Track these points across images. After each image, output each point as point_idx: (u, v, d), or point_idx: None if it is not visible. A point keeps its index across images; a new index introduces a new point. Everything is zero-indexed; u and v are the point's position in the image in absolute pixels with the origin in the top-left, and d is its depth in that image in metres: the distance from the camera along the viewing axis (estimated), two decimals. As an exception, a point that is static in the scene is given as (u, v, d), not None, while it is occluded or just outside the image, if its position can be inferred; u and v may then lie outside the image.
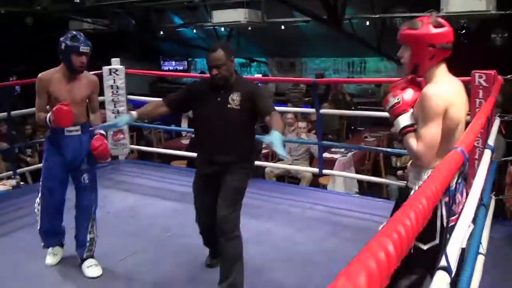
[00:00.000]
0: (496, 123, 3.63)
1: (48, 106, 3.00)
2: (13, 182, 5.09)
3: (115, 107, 5.58)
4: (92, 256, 3.16)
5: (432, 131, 1.85)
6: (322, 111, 5.13)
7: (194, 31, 12.64)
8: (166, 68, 15.79)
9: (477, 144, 3.79)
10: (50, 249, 3.28)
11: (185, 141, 7.24)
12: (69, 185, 3.13)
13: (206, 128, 2.83)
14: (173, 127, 7.91)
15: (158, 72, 9.86)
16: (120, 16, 11.03)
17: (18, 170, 5.10)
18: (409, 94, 1.96)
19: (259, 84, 3.46)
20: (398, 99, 1.95)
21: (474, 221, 1.93)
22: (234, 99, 2.74)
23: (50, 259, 3.26)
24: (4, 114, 4.82)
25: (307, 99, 10.45)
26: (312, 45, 12.20)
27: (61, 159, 3.05)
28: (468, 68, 3.80)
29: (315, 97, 5.40)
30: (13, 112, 4.92)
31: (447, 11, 7.26)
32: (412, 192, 1.96)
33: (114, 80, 5.52)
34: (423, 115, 1.87)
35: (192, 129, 7.12)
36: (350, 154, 5.97)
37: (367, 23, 9.47)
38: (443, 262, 1.23)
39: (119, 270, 3.14)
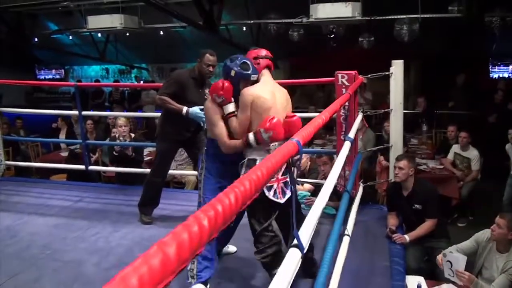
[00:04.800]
0: (359, 117, 3.97)
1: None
2: None
3: (-19, 119, 5.22)
4: None
5: (242, 116, 2.72)
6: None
7: (70, 37, 12.06)
8: (42, 77, 14.88)
9: (342, 138, 4.12)
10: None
11: (64, 154, 6.91)
12: None
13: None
14: (51, 139, 7.53)
15: (30, 81, 9.21)
16: (-10, 21, 10.23)
17: None
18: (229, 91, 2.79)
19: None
20: (222, 97, 2.77)
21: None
22: (207, 92, 3.69)
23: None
24: None
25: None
26: (191, 50, 12.23)
27: None
28: (338, 70, 4.04)
29: (77, 100, 5.42)
30: None
31: (316, 17, 7.73)
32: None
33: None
34: (239, 105, 2.75)
35: (71, 141, 6.93)
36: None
37: (244, 28, 9.79)
38: (295, 241, 1.38)
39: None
